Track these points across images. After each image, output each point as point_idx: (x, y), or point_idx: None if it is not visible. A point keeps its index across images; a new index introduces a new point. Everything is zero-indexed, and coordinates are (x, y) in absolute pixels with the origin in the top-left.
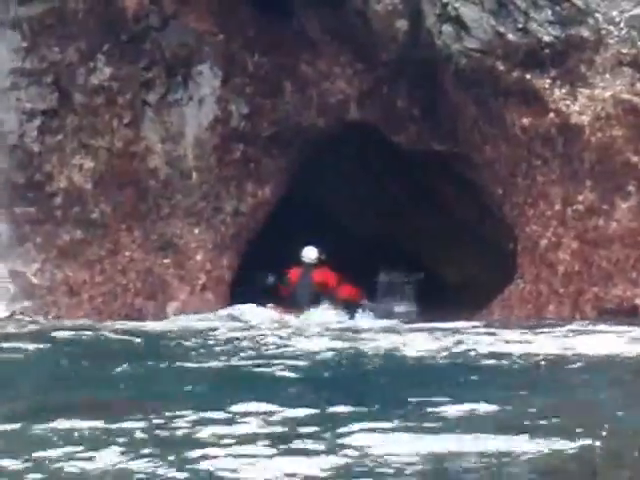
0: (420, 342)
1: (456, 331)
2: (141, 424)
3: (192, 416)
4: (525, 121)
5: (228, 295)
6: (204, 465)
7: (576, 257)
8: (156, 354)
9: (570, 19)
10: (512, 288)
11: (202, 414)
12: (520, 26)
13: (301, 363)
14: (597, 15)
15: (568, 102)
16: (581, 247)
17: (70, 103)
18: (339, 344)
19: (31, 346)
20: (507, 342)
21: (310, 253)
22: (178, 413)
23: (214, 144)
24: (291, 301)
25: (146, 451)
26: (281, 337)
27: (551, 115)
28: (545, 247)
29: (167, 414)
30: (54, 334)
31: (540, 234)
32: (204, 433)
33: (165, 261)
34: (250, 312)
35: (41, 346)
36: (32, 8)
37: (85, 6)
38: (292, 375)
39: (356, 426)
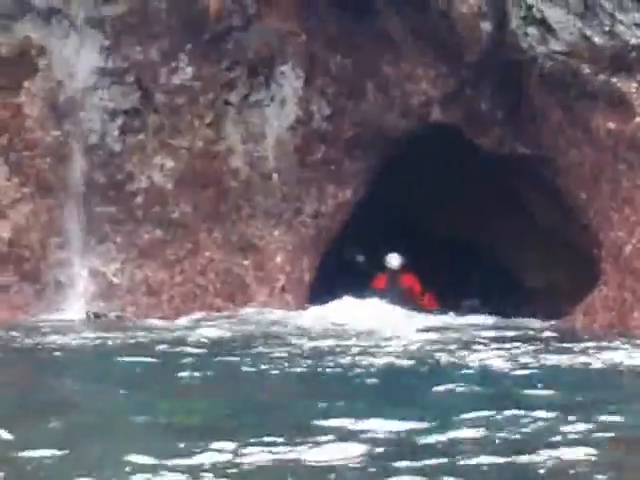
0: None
1: None
2: None
3: None
4: (611, 125)
5: (308, 297)
6: None
7: None
8: None
9: None
10: (595, 294)
11: None
12: (607, 29)
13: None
14: None
15: None
16: None
17: (152, 103)
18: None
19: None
20: None
21: (394, 260)
22: None
23: (295, 145)
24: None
25: None
26: None
27: (637, 119)
28: (630, 253)
29: None
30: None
31: (625, 240)
32: None
33: (245, 262)
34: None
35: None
36: (115, 7)
37: (167, 6)
38: None
39: None
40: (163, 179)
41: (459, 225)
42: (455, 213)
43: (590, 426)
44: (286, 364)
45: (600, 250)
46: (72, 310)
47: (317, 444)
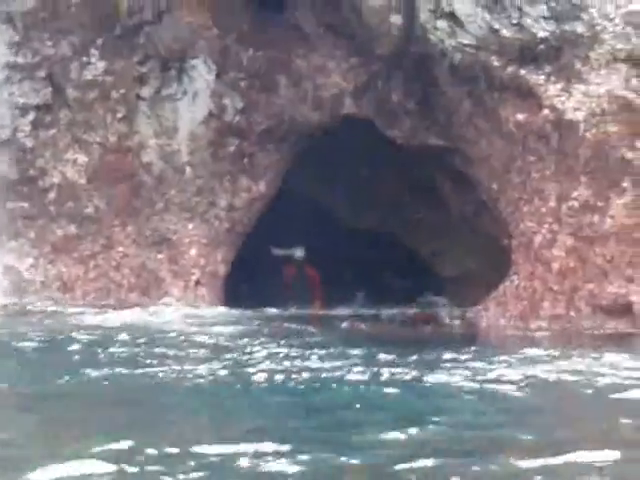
0: None
1: None
2: None
3: None
4: (520, 117)
5: (222, 290)
6: None
7: (571, 254)
8: None
9: (565, 14)
10: (507, 284)
11: None
12: (515, 22)
13: None
14: (592, 11)
15: (563, 98)
16: (576, 244)
17: (63, 98)
18: None
19: None
20: None
21: (298, 252)
22: None
23: (208, 139)
24: (287, 294)
25: None
26: None
27: (546, 111)
28: (540, 243)
29: None
30: None
31: (535, 230)
32: None
33: (159, 256)
34: None
35: None
36: (25, 2)
37: (78, 0)
38: None
39: None
40: (76, 174)
41: (374, 216)
42: (370, 204)
43: None
44: None
45: (511, 240)
46: None
47: None
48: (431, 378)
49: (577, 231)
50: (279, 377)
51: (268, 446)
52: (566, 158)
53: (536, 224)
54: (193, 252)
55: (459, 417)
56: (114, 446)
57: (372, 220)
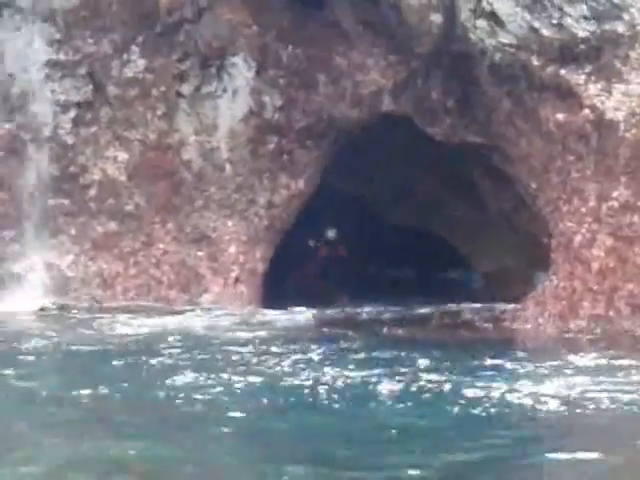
0: None
1: None
2: None
3: None
4: (559, 116)
5: (261, 287)
6: None
7: (610, 254)
8: None
9: (605, 14)
10: (546, 284)
11: None
12: (555, 21)
13: None
14: (632, 10)
15: (603, 98)
16: (615, 244)
17: (104, 95)
18: None
19: None
20: None
21: (330, 232)
22: None
23: (248, 136)
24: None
25: None
26: None
27: (586, 111)
28: (579, 243)
29: None
30: None
31: (574, 230)
32: None
33: (199, 253)
34: None
35: None
36: (67, 0)
37: None
38: None
39: None
40: (116, 171)
41: (412, 213)
42: (408, 201)
43: None
44: None
45: (550, 240)
46: (26, 302)
47: None
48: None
49: (617, 231)
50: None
51: None
52: (606, 158)
53: (576, 224)
54: (232, 249)
55: None
56: None
57: (411, 217)
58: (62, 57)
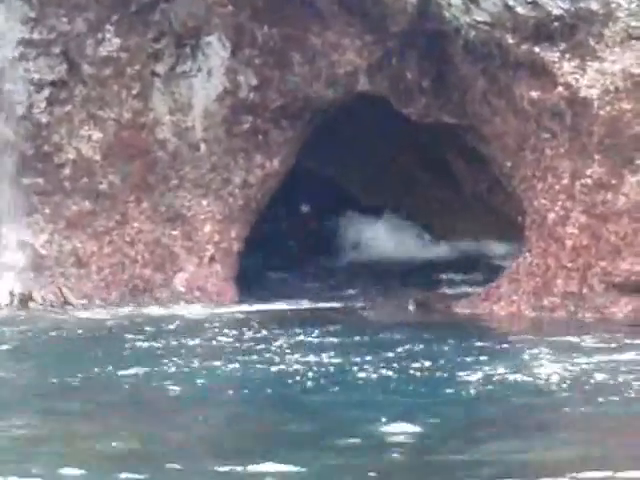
0: None
1: None
2: None
3: None
4: (534, 94)
5: (236, 266)
6: None
7: (584, 231)
8: None
9: None
10: (520, 261)
11: None
12: None
13: None
14: None
15: (577, 76)
16: (589, 221)
17: (79, 74)
18: None
19: None
20: None
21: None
22: None
23: (223, 115)
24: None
25: None
26: None
27: (560, 88)
28: (553, 221)
29: None
30: None
31: (548, 208)
32: None
33: (173, 232)
34: None
35: None
36: None
37: None
38: None
39: None
40: (91, 150)
41: (388, 194)
42: (384, 182)
43: None
44: None
45: (524, 218)
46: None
47: None
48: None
49: (590, 208)
50: None
51: None
52: (580, 136)
53: (549, 202)
54: (207, 228)
55: None
56: None
57: (386, 198)
58: (36, 36)
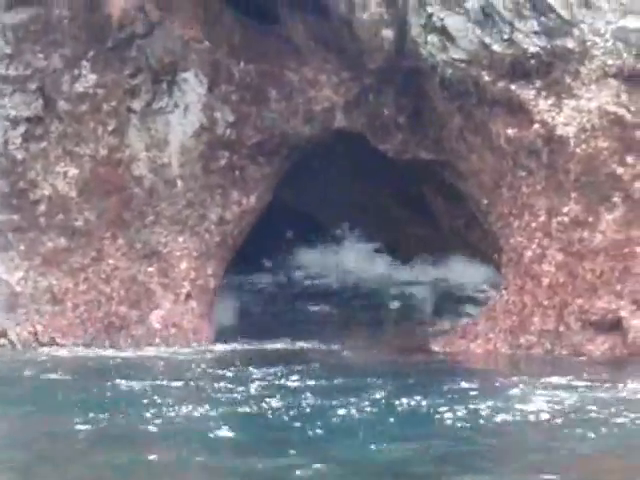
0: None
1: None
2: None
3: None
4: (510, 132)
5: (213, 304)
6: None
7: (561, 269)
8: None
9: (555, 30)
10: (497, 299)
11: None
12: (506, 37)
13: None
14: (583, 26)
15: (553, 113)
16: (566, 259)
17: (55, 110)
18: None
19: None
20: None
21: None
22: None
23: (199, 152)
24: None
25: None
26: None
27: (536, 126)
28: (530, 259)
29: None
30: None
31: (525, 245)
32: None
33: (149, 269)
34: None
35: None
36: (17, 14)
37: (70, 13)
38: None
39: None
40: (67, 187)
41: (365, 231)
42: (362, 219)
43: None
44: None
45: (501, 255)
46: None
47: None
48: None
49: (567, 246)
50: None
51: None
52: (556, 173)
53: (526, 239)
54: (184, 265)
55: None
56: None
57: (364, 234)
58: (12, 72)
